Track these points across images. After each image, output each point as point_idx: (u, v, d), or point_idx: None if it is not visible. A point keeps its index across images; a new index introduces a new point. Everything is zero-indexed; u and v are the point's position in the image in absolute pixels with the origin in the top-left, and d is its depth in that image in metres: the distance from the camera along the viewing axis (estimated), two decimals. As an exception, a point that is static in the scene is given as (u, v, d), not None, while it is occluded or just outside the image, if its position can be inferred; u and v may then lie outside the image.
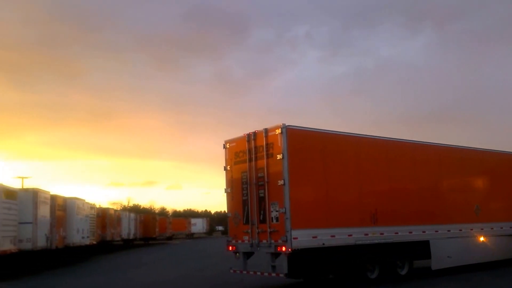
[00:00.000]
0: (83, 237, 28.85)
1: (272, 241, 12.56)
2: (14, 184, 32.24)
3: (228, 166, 14.39)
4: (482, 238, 16.91)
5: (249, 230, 13.31)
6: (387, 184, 14.61)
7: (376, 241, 13.90)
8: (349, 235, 13.35)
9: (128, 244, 49.66)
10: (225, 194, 14.46)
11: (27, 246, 20.29)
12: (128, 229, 47.12)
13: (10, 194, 18.58)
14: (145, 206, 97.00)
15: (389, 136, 15.22)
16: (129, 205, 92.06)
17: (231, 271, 14.06)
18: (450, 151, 16.98)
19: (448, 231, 15.96)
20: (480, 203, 17.22)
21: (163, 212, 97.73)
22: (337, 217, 13.20)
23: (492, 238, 17.21)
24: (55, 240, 23.72)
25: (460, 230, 16.36)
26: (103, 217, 37.60)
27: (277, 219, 12.52)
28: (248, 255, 13.81)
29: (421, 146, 16.00)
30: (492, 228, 17.37)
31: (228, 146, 14.48)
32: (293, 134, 12.67)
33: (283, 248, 12.18)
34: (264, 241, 12.83)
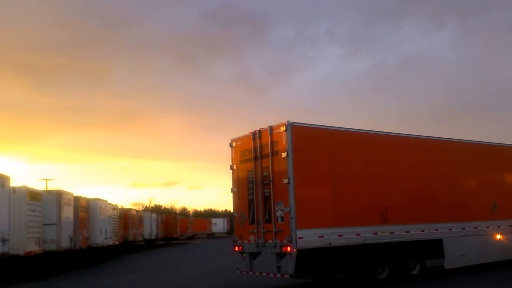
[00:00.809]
0: (106, 238, 29.17)
1: (278, 241, 12.34)
2: (39, 186, 33.42)
3: (235, 165, 14.21)
4: (499, 236, 16.34)
5: (255, 230, 13.11)
6: (397, 181, 14.20)
7: (386, 240, 13.54)
8: (358, 234, 13.02)
9: (150, 244, 50.04)
10: (232, 193, 14.29)
11: (52, 247, 20.57)
12: (150, 229, 47.45)
13: (34, 196, 18.84)
14: (166, 206, 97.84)
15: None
16: (150, 205, 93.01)
17: (237, 271, 13.90)
18: (465, 146, 16.43)
19: (463, 229, 15.46)
20: (497, 200, 16.64)
21: (184, 212, 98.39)
22: (345, 216, 12.88)
23: (509, 236, 16.62)
24: (79, 241, 24.04)
25: (476, 228, 15.83)
26: (125, 218, 37.91)
27: (282, 218, 12.29)
28: (254, 255, 13.62)
29: (434, 141, 15.52)
30: (510, 226, 16.76)
31: (234, 145, 14.30)
32: (298, 132, 12.40)
33: (288, 248, 11.94)
34: (270, 241, 12.61)
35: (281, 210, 12.29)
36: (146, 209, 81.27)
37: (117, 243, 33.10)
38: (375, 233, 13.37)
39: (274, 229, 12.46)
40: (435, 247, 14.67)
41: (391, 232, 13.68)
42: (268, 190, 12.78)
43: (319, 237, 12.28)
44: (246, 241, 13.51)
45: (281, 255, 12.45)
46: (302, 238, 11.93)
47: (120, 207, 38.23)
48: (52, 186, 41.10)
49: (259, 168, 13.14)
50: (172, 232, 59.91)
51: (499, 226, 16.44)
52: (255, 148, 13.32)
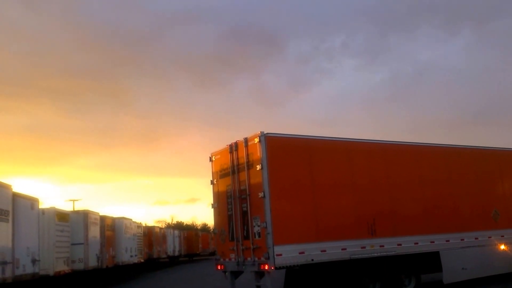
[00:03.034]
0: (131, 256, 29.50)
1: (256, 258, 11.69)
2: (66, 207, 34.17)
3: (215, 180, 13.68)
4: (502, 247, 15.29)
5: (235, 247, 12.49)
6: (386, 190, 13.41)
7: (376, 255, 12.73)
8: (343, 249, 12.25)
9: (173, 261, 50.10)
10: (212, 209, 13.73)
11: (80, 266, 20.86)
12: (173, 246, 47.84)
13: (62, 216, 19.23)
14: (188, 223, 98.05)
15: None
16: (172, 222, 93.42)
17: None
18: (461, 151, 15.57)
19: (462, 240, 14.50)
20: (499, 207, 15.64)
21: (205, 228, 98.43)
22: (328, 230, 12.16)
23: (515, 246, 15.56)
24: (105, 260, 24.31)
25: (476, 238, 14.83)
26: (149, 235, 38.26)
27: (259, 234, 11.65)
28: (237, 274, 12.96)
29: (425, 147, 14.71)
30: (515, 235, 15.72)
31: (214, 159, 13.79)
32: (273, 142, 11.82)
33: (266, 267, 11.27)
34: (249, 258, 11.96)
35: (258, 226, 11.66)
36: (169, 226, 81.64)
37: (142, 260, 33.49)
38: (363, 247, 12.58)
39: (252, 246, 11.82)
40: (431, 260, 13.76)
41: (381, 246, 12.87)
42: (245, 205, 12.19)
43: (300, 253, 11.58)
44: (227, 259, 12.89)
45: (261, 274, 11.77)
46: (280, 255, 11.25)
47: (144, 225, 38.79)
48: (79, 206, 42.03)
49: (236, 182, 12.57)
50: (194, 248, 60.23)
51: (502, 236, 15.40)
52: (232, 162, 12.77)
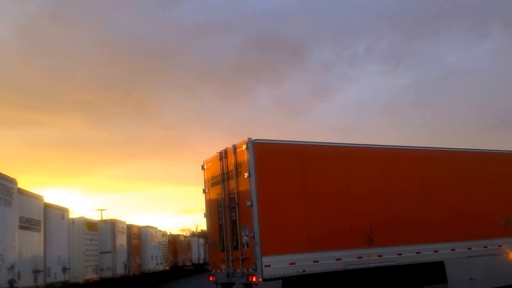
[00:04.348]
0: (157, 264, 29.93)
1: (244, 269, 11.25)
2: (95, 216, 34.94)
3: (206, 188, 13.35)
4: (514, 255, 14.41)
5: (225, 258, 12.09)
6: (384, 197, 12.79)
7: (373, 265, 12.12)
8: (338, 259, 11.70)
9: (198, 269, 50.33)
10: (205, 219, 13.38)
11: (108, 274, 21.23)
12: (197, 254, 48.35)
13: (91, 226, 19.70)
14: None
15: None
16: (197, 231, 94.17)
17: None
18: (468, 155, 14.78)
19: (469, 248, 13.70)
20: (510, 214, 14.76)
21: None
22: (321, 239, 11.63)
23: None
24: (132, 268, 24.68)
25: (485, 247, 14.00)
26: (174, 244, 38.69)
27: (247, 244, 11.22)
28: (228, 286, 12.52)
29: (427, 152, 14.05)
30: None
31: (205, 167, 13.46)
32: (261, 149, 11.40)
33: (254, 278, 10.82)
34: (238, 269, 11.54)
35: (246, 236, 11.24)
36: (193, 235, 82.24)
37: (167, 268, 33.88)
38: (359, 257, 11.99)
39: (240, 257, 11.40)
40: (435, 270, 13.04)
41: (379, 256, 12.25)
42: (234, 214, 11.79)
43: (291, 264, 11.08)
44: (218, 270, 12.50)
45: (249, 286, 11.32)
46: (269, 266, 10.78)
47: (169, 233, 39.41)
48: (107, 215, 42.98)
49: (226, 191, 12.20)
50: (219, 256, 60.24)
51: (514, 244, 14.51)
52: (222, 169, 12.41)
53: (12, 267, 9.89)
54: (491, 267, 13.85)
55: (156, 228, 31.13)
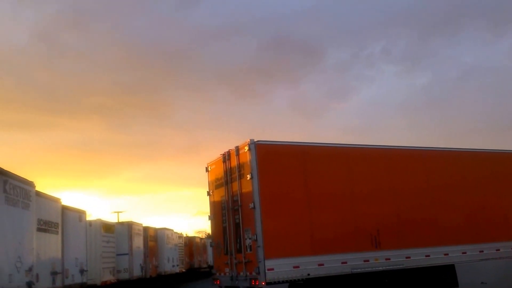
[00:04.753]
0: (173, 266, 29.94)
1: (248, 273, 11.06)
2: (111, 218, 35.35)
3: (211, 191, 13.21)
4: (529, 259, 13.95)
5: (229, 261, 11.93)
6: (390, 199, 12.50)
7: (381, 269, 11.83)
8: (343, 263, 11.44)
9: None
10: (209, 221, 13.24)
11: (125, 276, 21.29)
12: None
13: (108, 228, 19.84)
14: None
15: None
16: None
17: None
18: (478, 155, 14.40)
19: (481, 251, 13.32)
20: (524, 216, 14.31)
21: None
22: (325, 242, 11.39)
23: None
24: (149, 269, 24.79)
25: (498, 249, 13.59)
26: (190, 246, 38.76)
27: (250, 247, 11.04)
28: (232, 289, 12.36)
29: (435, 152, 13.71)
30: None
31: (209, 169, 13.33)
32: (264, 150, 11.23)
33: (257, 282, 10.63)
34: (241, 273, 11.36)
35: (249, 238, 11.06)
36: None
37: (183, 270, 33.93)
38: (366, 261, 11.72)
39: (244, 260, 11.22)
40: (445, 274, 12.71)
41: (386, 259, 11.96)
42: (238, 217, 11.62)
43: (294, 267, 10.87)
44: (222, 274, 12.33)
45: (253, 289, 11.12)
46: (272, 269, 10.59)
47: (184, 235, 39.36)
48: (123, 217, 43.35)
49: (229, 193, 12.04)
50: (233, 257, 60.48)
51: (528, 247, 14.04)
52: (225, 171, 12.26)
53: (30, 269, 9.95)
54: (504, 271, 13.45)
55: (172, 230, 31.15)
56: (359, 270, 11.53)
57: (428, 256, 12.52)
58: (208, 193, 13.28)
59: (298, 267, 10.88)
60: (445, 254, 12.78)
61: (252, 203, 10.84)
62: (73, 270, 14.44)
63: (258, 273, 10.56)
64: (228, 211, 12.05)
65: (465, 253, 13.06)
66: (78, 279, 14.86)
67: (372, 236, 11.92)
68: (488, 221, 13.76)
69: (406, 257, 12.21)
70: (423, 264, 12.41)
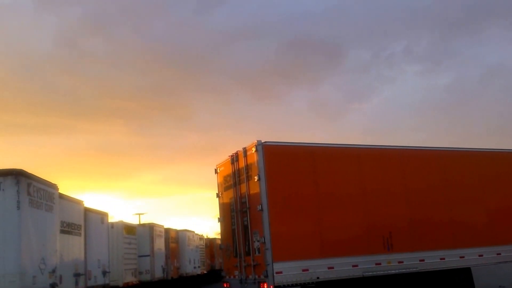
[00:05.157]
0: (194, 267, 30.14)
1: (256, 276, 10.91)
2: (133, 220, 35.95)
3: (220, 193, 13.09)
4: (550, 261, 13.44)
5: (238, 264, 11.78)
6: (403, 200, 12.19)
7: (393, 272, 11.53)
8: (354, 266, 11.19)
9: None
10: (219, 223, 13.13)
11: (146, 277, 21.43)
12: None
13: (130, 230, 20.03)
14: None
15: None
16: None
17: None
18: (496, 155, 13.96)
19: (498, 254, 12.89)
20: (544, 217, 13.80)
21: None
22: (335, 245, 11.15)
23: None
24: (170, 271, 24.92)
25: (516, 252, 13.14)
26: (211, 247, 38.95)
27: (258, 250, 10.87)
28: (242, 292, 12.20)
29: (450, 152, 13.33)
30: None
31: (219, 171, 13.21)
32: (271, 152, 11.06)
33: (265, 285, 10.45)
34: (250, 276, 11.20)
35: (258, 241, 10.90)
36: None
37: (205, 272, 34.12)
38: (378, 264, 11.44)
39: (252, 263, 11.06)
40: (461, 277, 12.33)
41: (399, 262, 11.66)
42: (246, 219, 11.47)
43: (303, 270, 10.66)
44: (232, 276, 12.19)
45: (262, 293, 10.95)
46: (280, 272, 10.40)
47: (205, 237, 39.63)
48: (145, 219, 43.75)
49: (238, 195, 11.90)
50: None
51: (549, 249, 13.53)
52: (233, 173, 12.13)
53: (54, 271, 10.00)
54: (524, 274, 12.98)
55: (193, 232, 31.27)
56: (370, 273, 11.26)
57: (443, 259, 12.17)
58: (217, 195, 13.16)
59: (307, 270, 10.67)
60: (461, 257, 12.40)
61: (260, 205, 10.68)
62: (95, 271, 14.52)
63: (267, 276, 10.39)
64: (236, 213, 11.91)
65: (481, 255, 12.65)
66: (100, 280, 14.93)
67: (384, 238, 11.63)
68: (506, 223, 13.31)
69: (420, 260, 11.88)
70: (438, 267, 12.06)
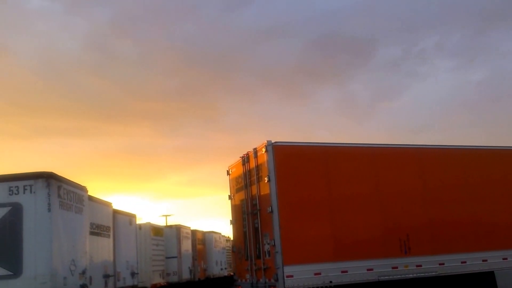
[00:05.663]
0: (221, 269, 30.23)
1: (267, 279, 10.63)
2: (160, 222, 35.47)
3: (232, 194, 12.88)
4: None
5: (249, 267, 11.53)
6: (422, 201, 11.69)
7: (411, 276, 11.06)
8: (369, 270, 10.77)
9: None
10: (231, 226, 12.91)
11: (174, 279, 21.56)
12: None
13: (157, 231, 20.22)
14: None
15: None
16: None
17: None
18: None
19: (524, 257, 12.22)
20: None
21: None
22: (349, 248, 10.76)
23: None
24: (197, 272, 25.06)
25: (544, 255, 12.42)
26: None
27: (269, 253, 10.59)
28: (254, 296, 11.93)
29: (472, 151, 12.76)
30: None
31: (231, 172, 13.01)
32: (282, 152, 10.77)
33: (275, 289, 10.17)
34: (261, 279, 10.93)
35: (268, 244, 10.62)
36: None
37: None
38: (395, 267, 10.99)
39: (263, 266, 10.79)
40: (483, 282, 11.72)
41: (417, 266, 11.18)
42: (257, 221, 11.21)
43: (316, 274, 10.32)
44: (243, 280, 11.95)
45: (273, 297, 10.67)
46: (291, 276, 10.10)
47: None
48: (172, 221, 44.07)
49: (249, 197, 11.65)
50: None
51: None
52: (245, 174, 11.89)
53: (83, 272, 10.04)
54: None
55: (220, 233, 31.26)
56: (387, 277, 10.82)
57: (465, 262, 11.61)
58: (230, 197, 12.95)
59: (319, 274, 10.33)
60: (483, 260, 11.81)
61: (270, 207, 10.41)
62: (124, 273, 14.53)
63: (277, 280, 10.10)
64: (248, 215, 11.67)
65: (506, 259, 12.03)
66: (129, 281, 14.94)
67: (401, 240, 11.18)
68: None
69: (440, 264, 11.37)
70: (459, 271, 11.51)
